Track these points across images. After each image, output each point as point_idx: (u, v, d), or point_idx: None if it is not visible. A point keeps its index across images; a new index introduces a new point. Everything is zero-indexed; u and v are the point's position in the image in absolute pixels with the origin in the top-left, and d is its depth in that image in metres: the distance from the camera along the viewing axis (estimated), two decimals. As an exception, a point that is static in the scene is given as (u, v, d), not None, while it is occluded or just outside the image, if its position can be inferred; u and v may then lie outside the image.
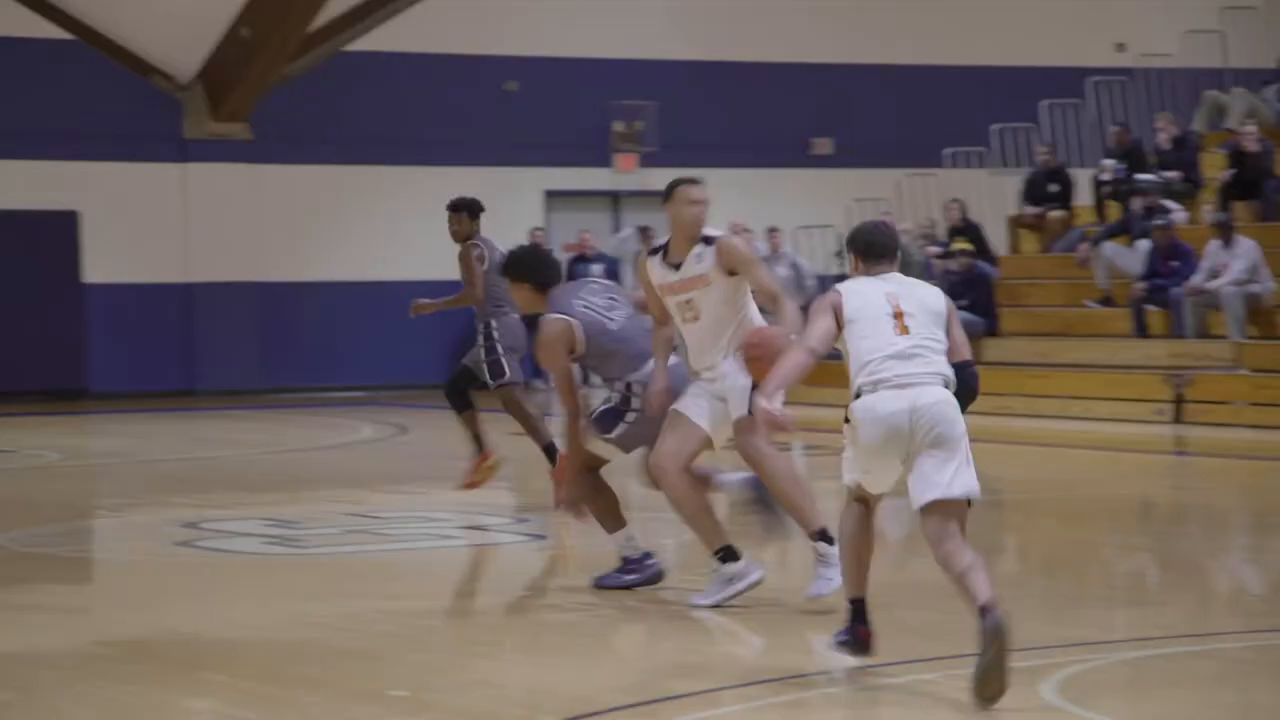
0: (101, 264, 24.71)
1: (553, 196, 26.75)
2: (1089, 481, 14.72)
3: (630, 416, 8.95)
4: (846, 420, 7.26)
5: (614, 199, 27.41)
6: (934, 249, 22.57)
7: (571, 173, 26.83)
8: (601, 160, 26.97)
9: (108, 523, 13.21)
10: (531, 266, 9.42)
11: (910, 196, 25.49)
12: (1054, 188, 23.09)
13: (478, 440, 12.81)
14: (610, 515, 9.17)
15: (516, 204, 26.28)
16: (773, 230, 23.94)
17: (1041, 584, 9.91)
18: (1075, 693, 7.05)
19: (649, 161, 27.02)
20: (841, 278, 7.77)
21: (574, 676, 7.57)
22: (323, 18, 24.77)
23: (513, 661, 8.07)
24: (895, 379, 7.14)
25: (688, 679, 7.47)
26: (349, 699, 7.28)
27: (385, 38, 25.82)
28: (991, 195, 24.86)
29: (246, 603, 9.37)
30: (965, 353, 7.38)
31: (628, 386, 8.99)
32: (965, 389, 7.23)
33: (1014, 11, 28.50)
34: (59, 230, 24.46)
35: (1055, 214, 23.00)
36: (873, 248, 7.43)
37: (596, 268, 25.31)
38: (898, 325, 7.21)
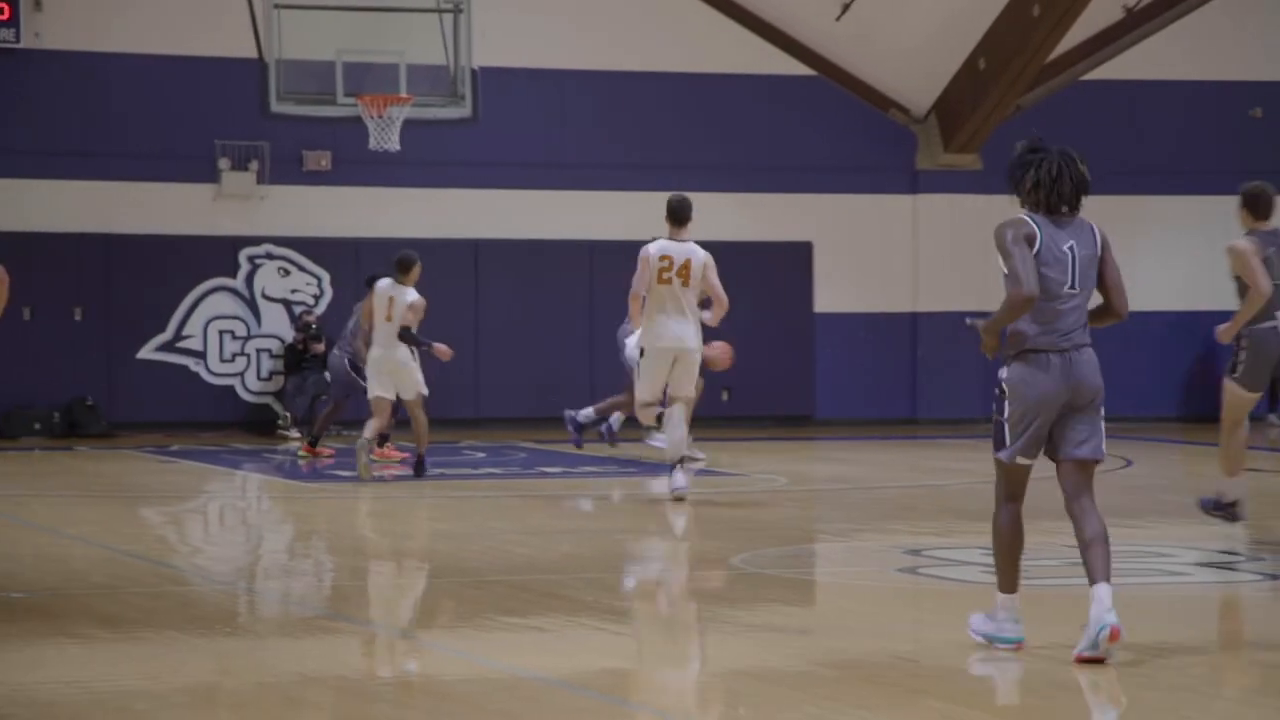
0: (832, 293, 25.23)
1: (1288, 225, 25.95)
2: None
3: None
4: None
5: (1357, 228, 26.35)
6: None
7: (1311, 200, 25.95)
8: (1345, 186, 25.97)
9: (831, 547, 13.45)
10: None
11: None
12: None
13: None
14: None
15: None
16: None
17: None
18: None
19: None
20: None
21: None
22: (1061, 47, 24.66)
23: (1229, 706, 7.80)
24: None
25: None
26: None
27: (1122, 66, 25.53)
28: None
29: (965, 631, 9.37)
30: None
31: None
32: None
33: None
34: (794, 260, 25.12)
35: None
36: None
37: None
38: None
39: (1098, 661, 8.24)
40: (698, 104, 24.90)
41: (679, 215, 15.13)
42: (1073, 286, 8.50)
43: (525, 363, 23.56)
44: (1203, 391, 25.46)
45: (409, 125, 20.28)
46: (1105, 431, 8.59)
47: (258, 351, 23.79)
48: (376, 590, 11.36)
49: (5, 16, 22.81)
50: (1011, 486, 8.59)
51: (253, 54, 20.24)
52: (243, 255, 23.73)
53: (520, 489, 17.30)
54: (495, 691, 8.10)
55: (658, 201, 24.98)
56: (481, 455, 20.03)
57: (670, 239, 15.09)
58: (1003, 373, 8.58)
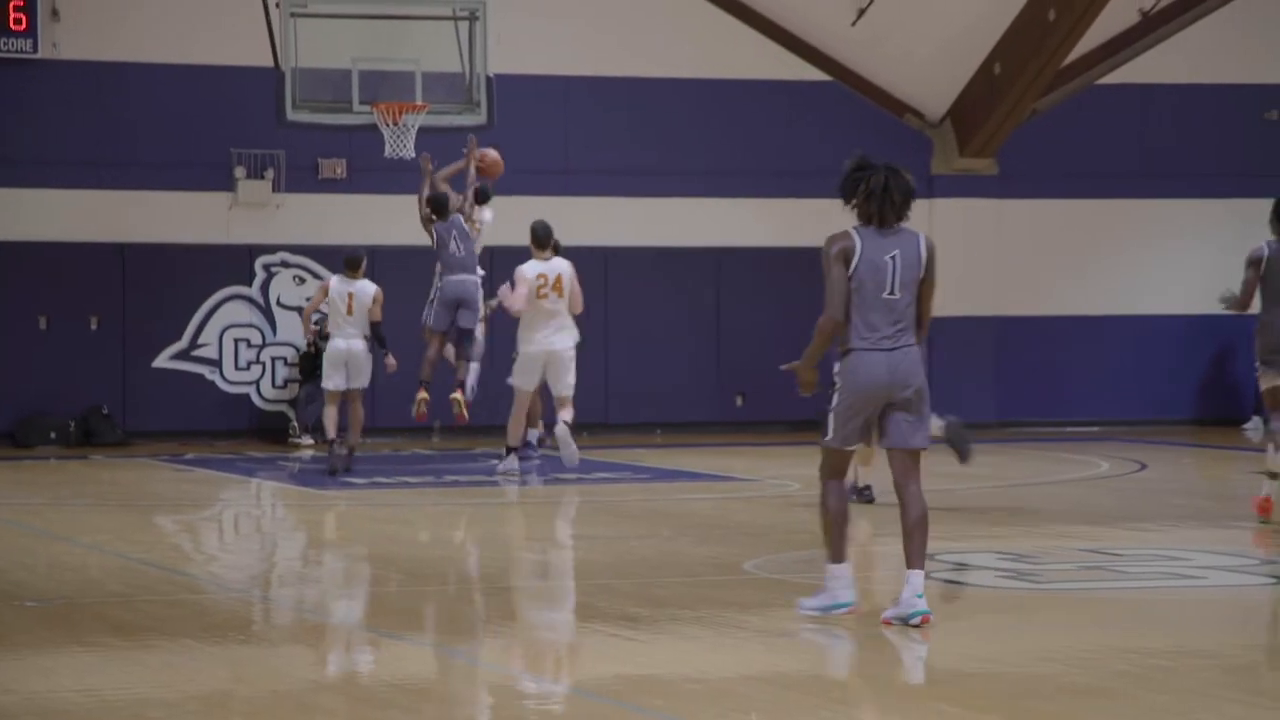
0: (847, 298, 25.23)
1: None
2: None
3: None
4: None
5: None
6: None
7: (1326, 203, 25.93)
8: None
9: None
10: None
11: None
12: None
13: None
14: None
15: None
16: None
17: None
18: None
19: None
20: None
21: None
22: (1076, 51, 24.62)
23: (1242, 709, 7.80)
24: None
25: None
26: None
27: (1137, 70, 25.49)
28: None
29: (979, 635, 9.39)
30: None
31: None
32: None
33: None
34: (809, 266, 25.06)
35: None
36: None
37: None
38: None
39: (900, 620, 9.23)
40: (713, 109, 24.89)
41: (543, 239, 17.94)
42: (891, 292, 9.38)
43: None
44: (1217, 395, 25.43)
45: (425, 133, 20.28)
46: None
47: (272, 360, 23.81)
48: (390, 597, 11.38)
49: (23, 27, 22.86)
50: (835, 468, 9.72)
51: (269, 62, 20.25)
52: (258, 263, 23.76)
53: (533, 496, 17.32)
54: (508, 698, 8.12)
55: (673, 208, 25.27)
56: (495, 462, 20.03)
57: (537, 260, 17.83)
58: (835, 369, 9.54)
